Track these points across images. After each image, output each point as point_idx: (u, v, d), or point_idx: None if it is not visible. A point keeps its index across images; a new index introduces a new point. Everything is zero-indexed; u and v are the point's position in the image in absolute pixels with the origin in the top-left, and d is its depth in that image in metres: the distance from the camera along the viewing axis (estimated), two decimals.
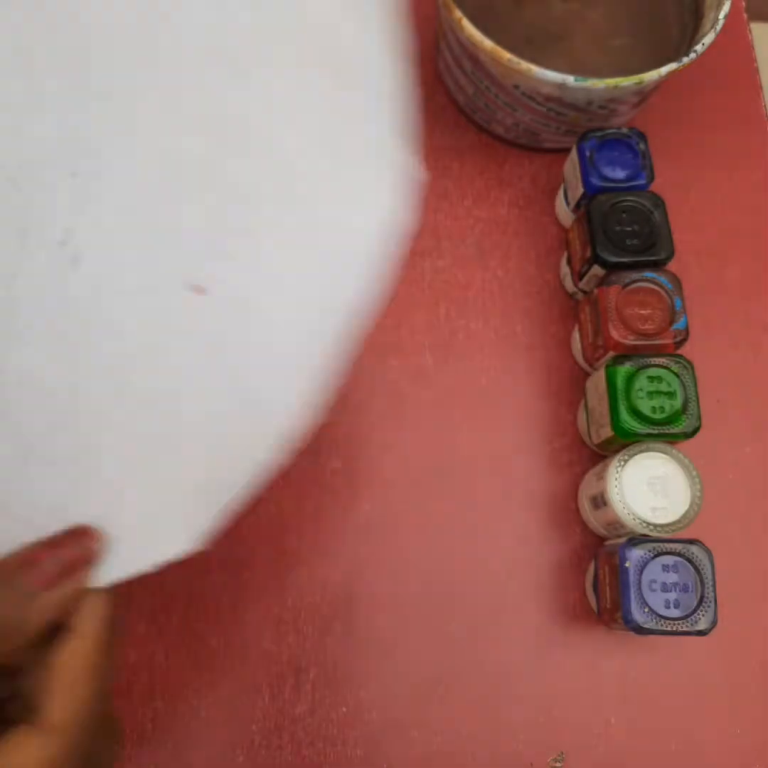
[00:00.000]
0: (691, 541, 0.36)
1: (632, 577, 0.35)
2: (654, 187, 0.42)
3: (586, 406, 0.42)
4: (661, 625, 0.35)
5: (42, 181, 0.31)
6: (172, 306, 0.30)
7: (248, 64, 0.32)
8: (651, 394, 0.38)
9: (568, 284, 0.46)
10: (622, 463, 0.38)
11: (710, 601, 0.35)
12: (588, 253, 0.41)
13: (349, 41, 0.31)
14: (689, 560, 0.36)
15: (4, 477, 0.28)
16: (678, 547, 0.36)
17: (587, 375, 0.43)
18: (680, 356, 0.39)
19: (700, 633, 0.35)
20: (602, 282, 0.40)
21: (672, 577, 0.36)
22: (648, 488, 0.37)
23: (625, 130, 0.43)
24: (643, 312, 0.39)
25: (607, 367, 0.39)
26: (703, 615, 0.35)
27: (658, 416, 0.38)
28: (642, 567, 0.36)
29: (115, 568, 0.25)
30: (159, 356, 0.30)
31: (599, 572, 0.39)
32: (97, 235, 0.31)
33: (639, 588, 0.35)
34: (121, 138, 0.32)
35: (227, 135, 0.32)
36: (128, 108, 0.32)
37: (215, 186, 0.32)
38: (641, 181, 0.42)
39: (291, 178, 0.31)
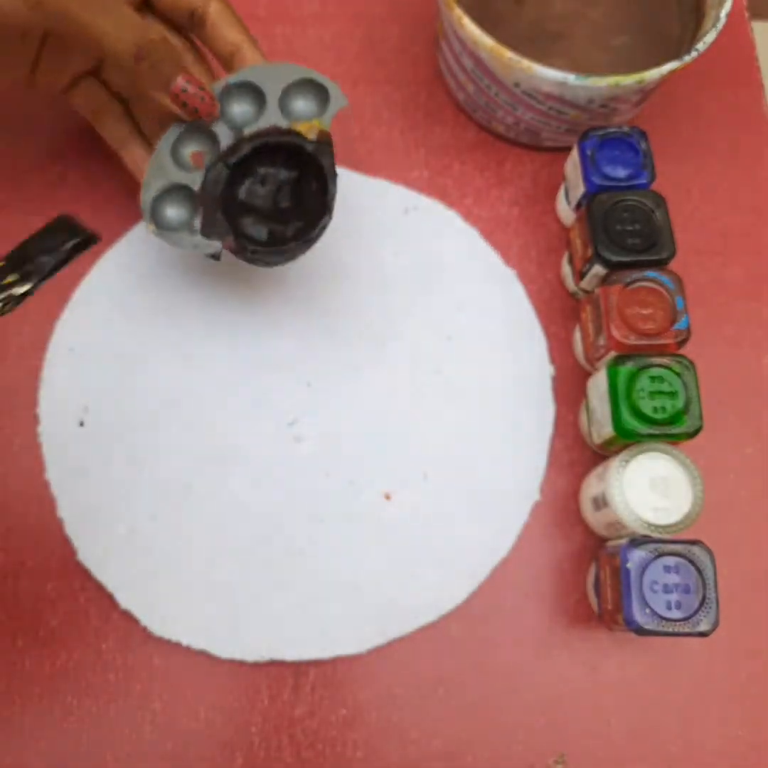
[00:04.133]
0: (693, 542, 0.36)
1: (633, 578, 0.35)
2: (655, 186, 0.42)
3: (587, 406, 0.42)
4: (663, 626, 0.35)
5: (283, 381, 0.44)
6: (364, 499, 0.42)
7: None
8: (652, 394, 0.38)
9: (570, 283, 0.46)
10: (624, 463, 0.37)
11: (712, 603, 0.35)
12: (589, 253, 0.41)
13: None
14: (691, 561, 0.36)
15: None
16: (679, 548, 0.36)
17: (589, 375, 0.43)
18: (682, 356, 0.38)
19: (702, 634, 0.35)
20: (603, 281, 0.40)
21: (673, 578, 0.35)
22: (649, 489, 0.37)
23: (626, 129, 0.42)
24: (644, 311, 0.39)
25: (608, 366, 0.39)
26: (704, 616, 0.35)
27: (659, 416, 0.37)
28: (643, 568, 0.35)
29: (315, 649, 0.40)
30: (348, 538, 0.41)
31: (600, 573, 0.39)
32: (316, 429, 0.43)
33: (640, 589, 0.35)
34: (350, 373, 0.44)
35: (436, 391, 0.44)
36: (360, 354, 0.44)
37: (417, 429, 0.43)
38: (642, 180, 0.42)
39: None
